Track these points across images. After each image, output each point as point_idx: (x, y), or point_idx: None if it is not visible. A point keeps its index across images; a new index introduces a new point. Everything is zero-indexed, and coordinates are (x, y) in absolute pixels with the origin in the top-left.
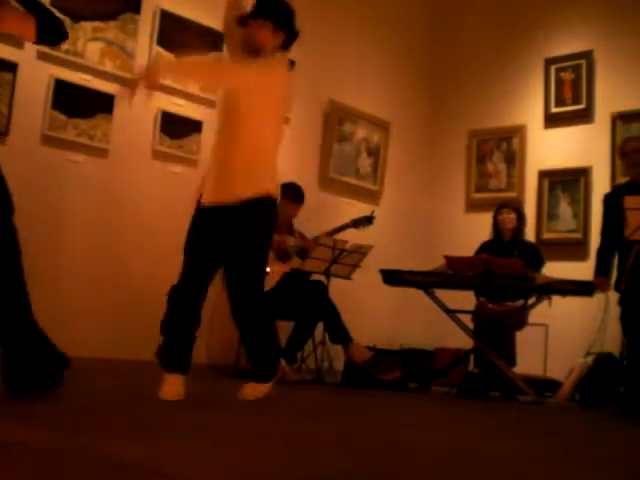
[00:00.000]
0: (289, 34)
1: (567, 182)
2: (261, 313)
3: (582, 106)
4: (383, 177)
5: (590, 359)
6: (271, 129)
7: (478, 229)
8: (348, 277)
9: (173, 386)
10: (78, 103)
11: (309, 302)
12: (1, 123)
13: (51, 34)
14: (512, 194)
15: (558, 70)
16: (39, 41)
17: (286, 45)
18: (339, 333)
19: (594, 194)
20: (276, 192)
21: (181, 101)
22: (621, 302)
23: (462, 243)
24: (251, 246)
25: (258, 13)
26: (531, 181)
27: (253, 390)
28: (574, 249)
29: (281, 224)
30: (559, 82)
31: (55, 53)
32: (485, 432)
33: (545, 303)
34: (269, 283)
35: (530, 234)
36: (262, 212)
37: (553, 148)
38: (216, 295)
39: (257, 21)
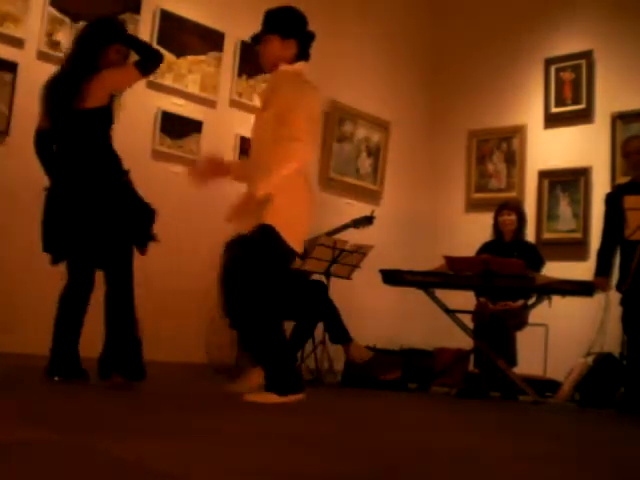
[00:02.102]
0: (301, 39)
1: (567, 182)
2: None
3: (582, 106)
4: (383, 177)
5: (590, 359)
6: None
7: (478, 229)
8: (348, 277)
9: None
10: None
11: (309, 302)
12: (1, 123)
13: (150, 63)
14: (512, 194)
15: (558, 70)
16: (144, 75)
17: (303, 51)
18: (339, 333)
19: (594, 194)
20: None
21: (181, 101)
22: (623, 302)
23: (462, 243)
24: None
25: (262, 31)
26: (531, 181)
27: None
28: (574, 249)
29: None
30: (559, 82)
31: (55, 53)
32: (485, 432)
33: (545, 303)
34: None
35: (530, 234)
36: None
37: (553, 148)
38: (216, 296)
39: (263, 38)
